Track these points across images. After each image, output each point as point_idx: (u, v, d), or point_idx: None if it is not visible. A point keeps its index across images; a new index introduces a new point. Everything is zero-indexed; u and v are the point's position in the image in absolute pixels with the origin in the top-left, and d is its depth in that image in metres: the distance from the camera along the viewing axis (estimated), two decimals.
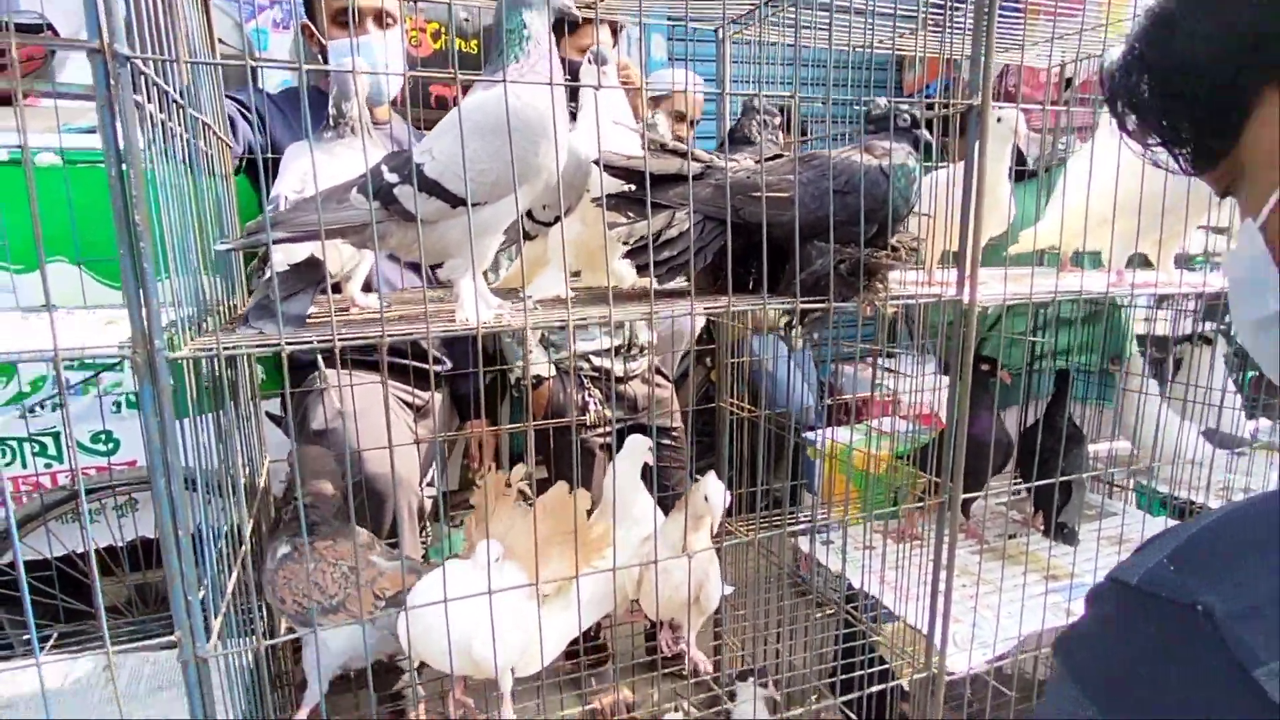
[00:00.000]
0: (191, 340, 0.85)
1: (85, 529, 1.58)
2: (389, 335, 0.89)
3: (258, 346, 0.86)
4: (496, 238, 1.03)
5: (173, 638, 0.84)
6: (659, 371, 2.56)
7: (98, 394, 2.09)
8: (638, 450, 1.39)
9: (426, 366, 2.12)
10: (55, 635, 1.39)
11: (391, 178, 0.93)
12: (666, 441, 2.42)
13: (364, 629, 1.27)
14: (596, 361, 2.39)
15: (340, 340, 0.86)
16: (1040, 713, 0.39)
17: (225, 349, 0.83)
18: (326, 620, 1.22)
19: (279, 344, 0.84)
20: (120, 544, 2.14)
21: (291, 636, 1.20)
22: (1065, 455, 1.69)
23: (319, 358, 1.90)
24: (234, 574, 1.02)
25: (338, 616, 1.25)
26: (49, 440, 2.13)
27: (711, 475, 1.28)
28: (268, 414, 1.90)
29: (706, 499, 1.24)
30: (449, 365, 2.21)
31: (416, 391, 2.12)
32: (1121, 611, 0.38)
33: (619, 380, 2.41)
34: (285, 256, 1.03)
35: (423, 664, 2.01)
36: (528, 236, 1.39)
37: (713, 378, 2.53)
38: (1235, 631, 0.33)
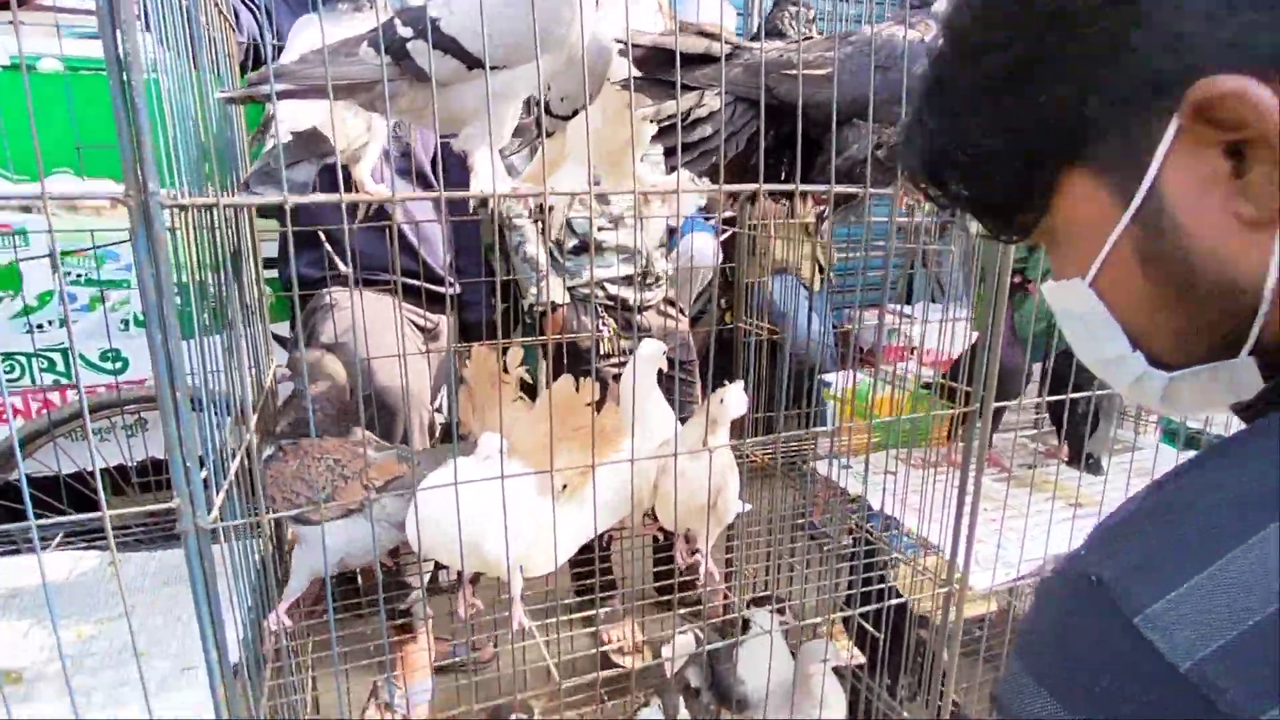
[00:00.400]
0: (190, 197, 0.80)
1: (88, 432, 1.55)
2: (400, 197, 0.84)
3: (260, 200, 0.81)
4: (514, 106, 0.97)
5: (175, 505, 0.80)
6: (673, 304, 2.51)
7: (104, 310, 2.05)
8: (652, 355, 1.34)
9: (437, 289, 2.08)
10: (61, 535, 1.37)
11: (405, 31, 0.87)
12: (681, 375, 2.37)
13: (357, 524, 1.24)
14: (612, 290, 2.34)
15: (347, 199, 0.81)
16: (997, 688, 0.44)
17: (226, 204, 0.78)
18: (317, 515, 1.20)
19: (282, 199, 0.79)
20: (131, 464, 2.13)
21: (293, 513, 1.16)
22: (1096, 383, 1.63)
23: (328, 273, 1.85)
24: (237, 459, 0.98)
25: (328, 508, 1.22)
26: (57, 356, 2.10)
27: (736, 384, 1.23)
28: (275, 337, 1.87)
29: (723, 401, 1.19)
30: (458, 290, 2.17)
31: (426, 314, 2.08)
32: (1042, 599, 0.42)
33: (634, 310, 2.35)
34: (289, 127, 0.98)
35: (432, 581, 2.00)
36: (545, 134, 1.33)
37: (728, 319, 2.47)
38: (1121, 587, 0.36)
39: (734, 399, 1.19)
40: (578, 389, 1.26)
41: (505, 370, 1.33)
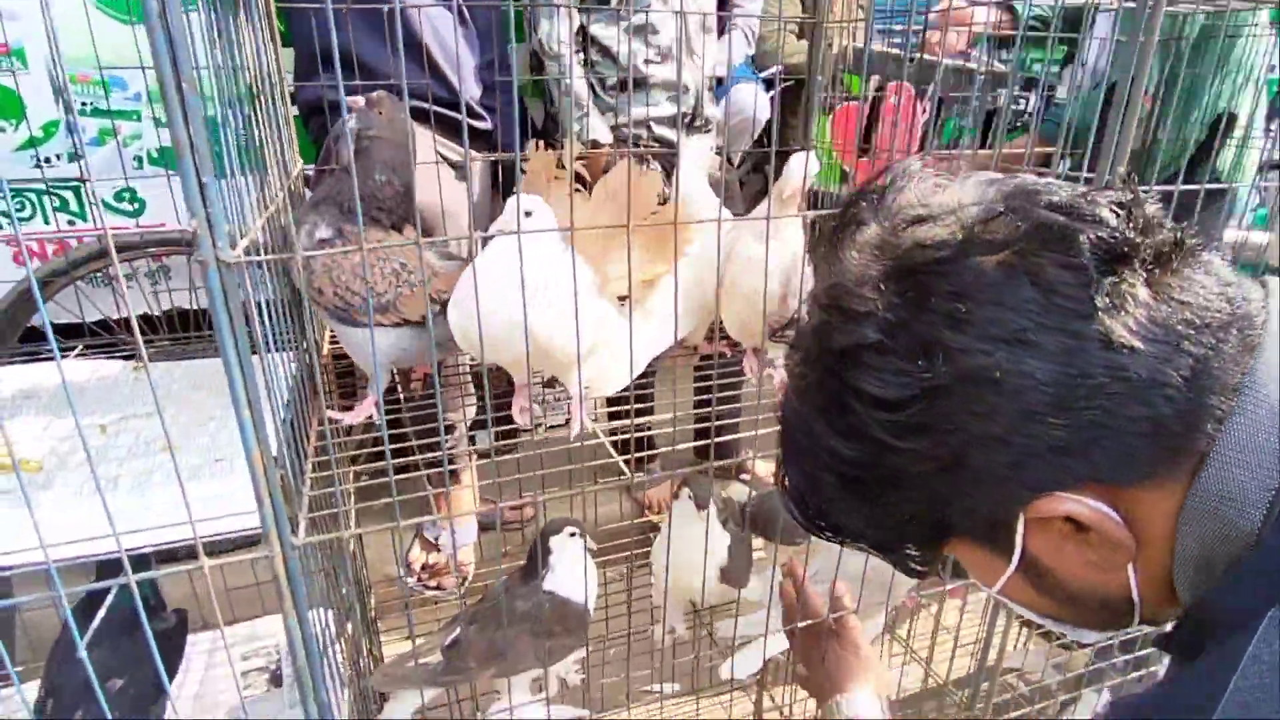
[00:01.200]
0: None
1: (116, 273, 1.44)
2: None
3: None
4: None
5: (192, 227, 0.68)
6: (721, 154, 2.32)
7: (118, 145, 1.91)
8: (701, 152, 1.19)
9: (473, 123, 1.91)
10: (80, 346, 1.28)
11: None
12: None
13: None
14: (657, 130, 2.15)
15: None
16: None
17: None
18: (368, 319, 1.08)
19: None
20: (156, 312, 2.03)
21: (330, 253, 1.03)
22: (1201, 209, 1.45)
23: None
24: (272, 206, 0.86)
25: (386, 316, 1.10)
26: (69, 194, 1.98)
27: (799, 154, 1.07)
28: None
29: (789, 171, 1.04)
30: (490, 125, 2.00)
31: (456, 147, 1.92)
32: None
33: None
34: None
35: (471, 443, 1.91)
36: None
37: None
38: None
39: (795, 164, 1.03)
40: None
41: (560, 165, 1.19)
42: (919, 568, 0.60)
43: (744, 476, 1.88)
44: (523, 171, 1.26)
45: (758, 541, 1.69)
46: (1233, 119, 1.65)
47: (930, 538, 0.56)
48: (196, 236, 0.69)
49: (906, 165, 0.55)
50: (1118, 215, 0.48)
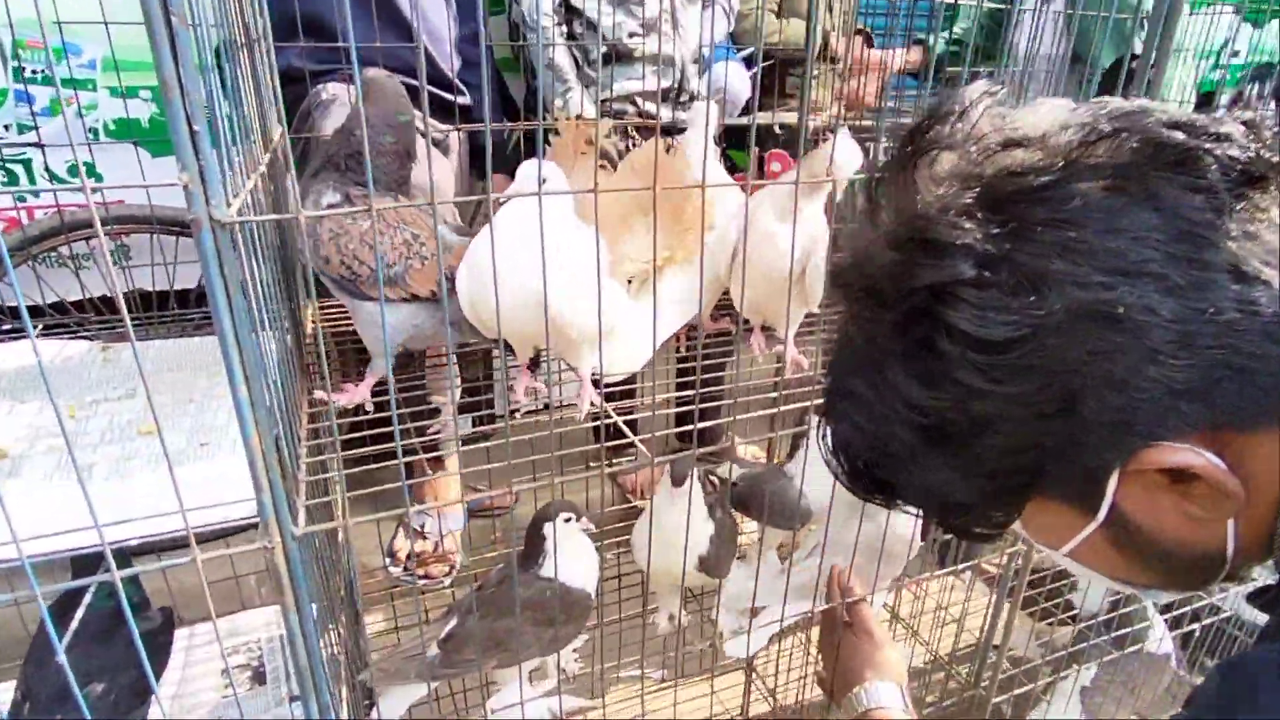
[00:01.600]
0: None
1: (103, 238, 1.34)
2: None
3: None
4: None
5: (183, 180, 0.61)
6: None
7: (77, 112, 1.79)
8: (711, 122, 1.14)
9: (450, 97, 1.83)
10: (41, 326, 1.19)
11: None
12: None
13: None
14: (644, 105, 2.10)
15: None
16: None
17: None
18: (376, 291, 1.02)
19: None
20: (117, 294, 1.92)
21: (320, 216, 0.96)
22: None
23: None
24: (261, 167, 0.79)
25: (394, 290, 1.04)
26: (18, 168, 1.85)
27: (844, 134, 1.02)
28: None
29: (831, 155, 0.99)
30: (469, 100, 1.92)
31: (436, 124, 1.84)
32: None
33: (666, 131, 2.12)
34: None
35: (463, 408, 1.83)
36: None
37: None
38: None
39: (844, 146, 0.99)
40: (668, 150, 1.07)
41: (588, 142, 1.13)
42: (991, 531, 0.54)
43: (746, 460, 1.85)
44: (546, 143, 1.22)
45: (751, 525, 1.66)
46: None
47: (1013, 495, 0.50)
48: (188, 192, 0.63)
49: (970, 92, 0.49)
50: (1246, 133, 0.43)
